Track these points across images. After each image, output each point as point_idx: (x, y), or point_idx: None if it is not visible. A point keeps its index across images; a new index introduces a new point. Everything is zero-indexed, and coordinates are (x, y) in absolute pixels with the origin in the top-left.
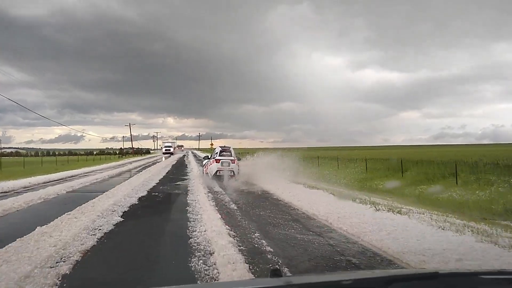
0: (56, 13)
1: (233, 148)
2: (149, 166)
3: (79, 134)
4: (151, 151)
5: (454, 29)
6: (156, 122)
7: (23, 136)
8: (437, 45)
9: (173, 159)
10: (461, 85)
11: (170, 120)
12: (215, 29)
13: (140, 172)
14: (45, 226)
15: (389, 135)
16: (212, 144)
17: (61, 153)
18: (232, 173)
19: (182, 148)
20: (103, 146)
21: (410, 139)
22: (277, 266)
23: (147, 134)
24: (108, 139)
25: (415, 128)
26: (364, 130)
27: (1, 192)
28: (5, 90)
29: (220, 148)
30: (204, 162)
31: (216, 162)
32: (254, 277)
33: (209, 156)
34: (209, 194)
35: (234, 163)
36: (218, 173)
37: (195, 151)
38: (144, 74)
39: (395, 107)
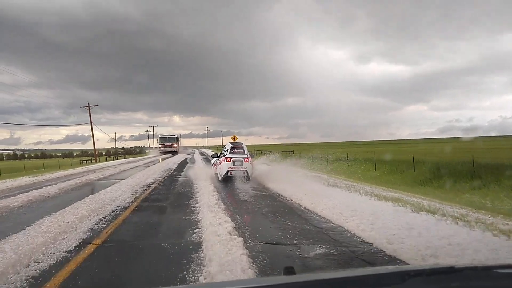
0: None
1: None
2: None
3: (86, 134)
4: (146, 151)
5: (460, 19)
6: (162, 121)
7: (31, 137)
8: (443, 36)
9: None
10: (468, 76)
11: (176, 119)
12: (219, 24)
13: None
14: None
15: (395, 129)
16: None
17: (32, 155)
18: (246, 174)
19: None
20: (109, 145)
21: (416, 133)
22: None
23: (152, 133)
24: (117, 139)
25: (422, 121)
26: (370, 124)
27: None
28: (12, 90)
29: (230, 145)
30: (212, 161)
31: (227, 161)
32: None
33: (218, 154)
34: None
35: (247, 161)
36: (229, 174)
37: (203, 150)
38: (149, 73)
39: (400, 101)
